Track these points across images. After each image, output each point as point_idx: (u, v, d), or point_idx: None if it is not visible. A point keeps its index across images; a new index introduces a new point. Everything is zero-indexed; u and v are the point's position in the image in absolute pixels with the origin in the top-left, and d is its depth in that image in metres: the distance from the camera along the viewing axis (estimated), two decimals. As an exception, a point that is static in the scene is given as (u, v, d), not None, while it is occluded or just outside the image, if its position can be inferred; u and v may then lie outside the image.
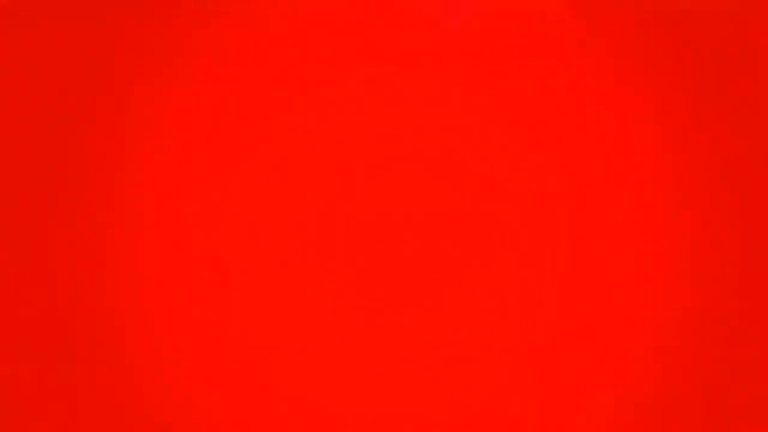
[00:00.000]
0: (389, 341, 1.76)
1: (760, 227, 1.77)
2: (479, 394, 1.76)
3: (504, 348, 1.76)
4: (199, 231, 1.78)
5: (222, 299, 1.77)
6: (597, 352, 1.75)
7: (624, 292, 1.76)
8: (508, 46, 1.79)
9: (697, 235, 1.77)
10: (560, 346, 1.75)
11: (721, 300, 1.77)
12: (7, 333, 1.76)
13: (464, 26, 1.79)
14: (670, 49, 1.78)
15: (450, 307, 1.77)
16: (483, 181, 1.77)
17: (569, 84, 1.78)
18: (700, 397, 1.76)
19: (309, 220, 1.78)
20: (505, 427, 1.75)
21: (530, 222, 1.77)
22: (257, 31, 1.80)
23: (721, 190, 1.77)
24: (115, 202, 1.78)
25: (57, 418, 1.76)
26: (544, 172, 1.78)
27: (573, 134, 1.78)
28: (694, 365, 1.76)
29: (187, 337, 1.76)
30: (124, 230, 1.78)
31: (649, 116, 1.78)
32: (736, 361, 1.76)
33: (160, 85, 1.79)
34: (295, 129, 1.79)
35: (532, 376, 1.76)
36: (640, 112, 1.78)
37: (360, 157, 1.78)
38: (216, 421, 1.76)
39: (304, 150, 1.79)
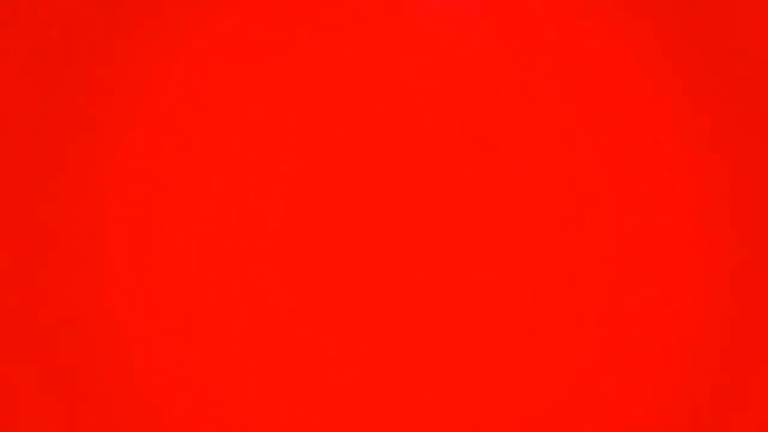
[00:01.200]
0: (390, 344, 1.76)
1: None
2: (485, 399, 1.75)
3: (513, 351, 1.76)
4: (192, 228, 1.78)
5: (216, 298, 1.78)
6: (610, 357, 1.75)
7: (633, 294, 1.76)
8: (510, 43, 1.79)
9: (708, 233, 1.76)
10: (571, 349, 1.75)
11: (735, 299, 1.76)
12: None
13: (465, 20, 1.79)
14: (688, 39, 1.79)
15: (456, 309, 1.76)
16: (488, 182, 1.78)
17: (574, 77, 1.78)
18: (715, 402, 1.75)
19: (308, 217, 1.78)
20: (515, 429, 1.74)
21: (537, 221, 1.77)
22: (253, 25, 1.79)
23: (734, 189, 1.77)
24: (107, 201, 1.78)
25: (50, 418, 1.75)
26: (550, 168, 1.77)
27: (578, 131, 1.78)
28: (712, 370, 1.75)
29: (182, 337, 1.76)
30: (116, 226, 1.77)
31: (659, 111, 1.78)
32: (757, 365, 1.75)
33: (147, 79, 1.79)
34: (292, 127, 1.79)
35: (538, 379, 1.75)
36: (657, 104, 1.78)
37: (357, 155, 1.78)
38: (212, 421, 1.74)
39: (302, 147, 1.79)
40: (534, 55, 1.79)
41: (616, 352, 1.76)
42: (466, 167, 1.78)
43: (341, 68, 1.80)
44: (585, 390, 1.75)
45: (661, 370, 1.76)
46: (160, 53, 1.79)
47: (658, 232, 1.77)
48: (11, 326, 1.77)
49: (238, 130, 1.79)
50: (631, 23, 1.80)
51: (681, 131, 1.78)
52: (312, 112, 1.79)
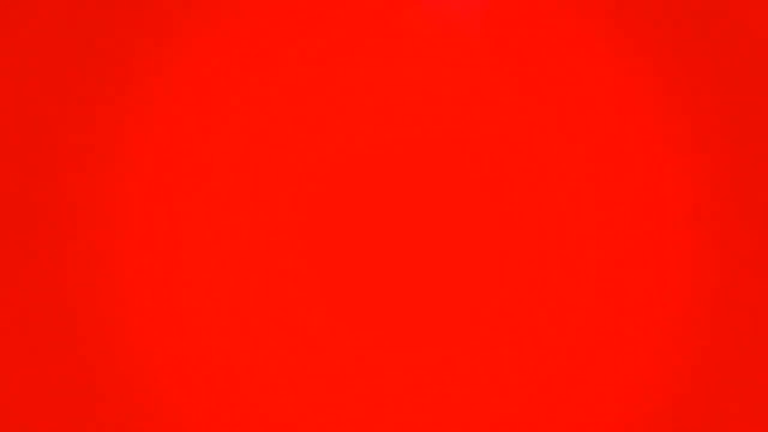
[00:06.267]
0: (391, 345, 1.76)
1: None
2: (482, 397, 1.75)
3: (511, 352, 1.75)
4: (192, 229, 1.78)
5: (216, 298, 1.77)
6: (609, 356, 1.75)
7: (633, 293, 1.76)
8: (511, 43, 1.79)
9: (709, 233, 1.76)
10: (569, 348, 1.75)
11: (736, 298, 1.76)
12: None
13: (465, 20, 1.79)
14: (681, 42, 1.79)
15: (456, 310, 1.76)
16: (485, 183, 1.77)
17: (575, 80, 1.78)
18: (715, 400, 1.75)
19: (307, 218, 1.77)
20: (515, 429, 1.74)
21: (533, 222, 1.76)
22: (255, 27, 1.80)
23: (733, 189, 1.77)
24: (106, 201, 1.78)
25: (49, 417, 1.75)
26: (551, 169, 1.77)
27: (579, 132, 1.78)
28: (710, 367, 1.75)
29: (181, 337, 1.76)
30: (117, 226, 1.77)
31: (660, 110, 1.78)
32: (755, 363, 1.75)
33: (151, 82, 1.79)
34: (292, 127, 1.79)
35: (537, 378, 1.75)
36: (650, 107, 1.78)
37: (357, 156, 1.78)
38: (211, 420, 1.75)
39: (301, 148, 1.79)
40: (529, 58, 1.79)
41: (612, 352, 1.75)
42: (462, 168, 1.78)
43: (342, 72, 1.80)
44: (581, 388, 1.75)
45: (656, 369, 1.76)
46: (166, 55, 1.79)
47: (652, 233, 1.77)
48: (20, 325, 1.77)
49: (242, 135, 1.78)
50: (624, 28, 1.79)
51: (675, 133, 1.78)
52: (313, 114, 1.79)
